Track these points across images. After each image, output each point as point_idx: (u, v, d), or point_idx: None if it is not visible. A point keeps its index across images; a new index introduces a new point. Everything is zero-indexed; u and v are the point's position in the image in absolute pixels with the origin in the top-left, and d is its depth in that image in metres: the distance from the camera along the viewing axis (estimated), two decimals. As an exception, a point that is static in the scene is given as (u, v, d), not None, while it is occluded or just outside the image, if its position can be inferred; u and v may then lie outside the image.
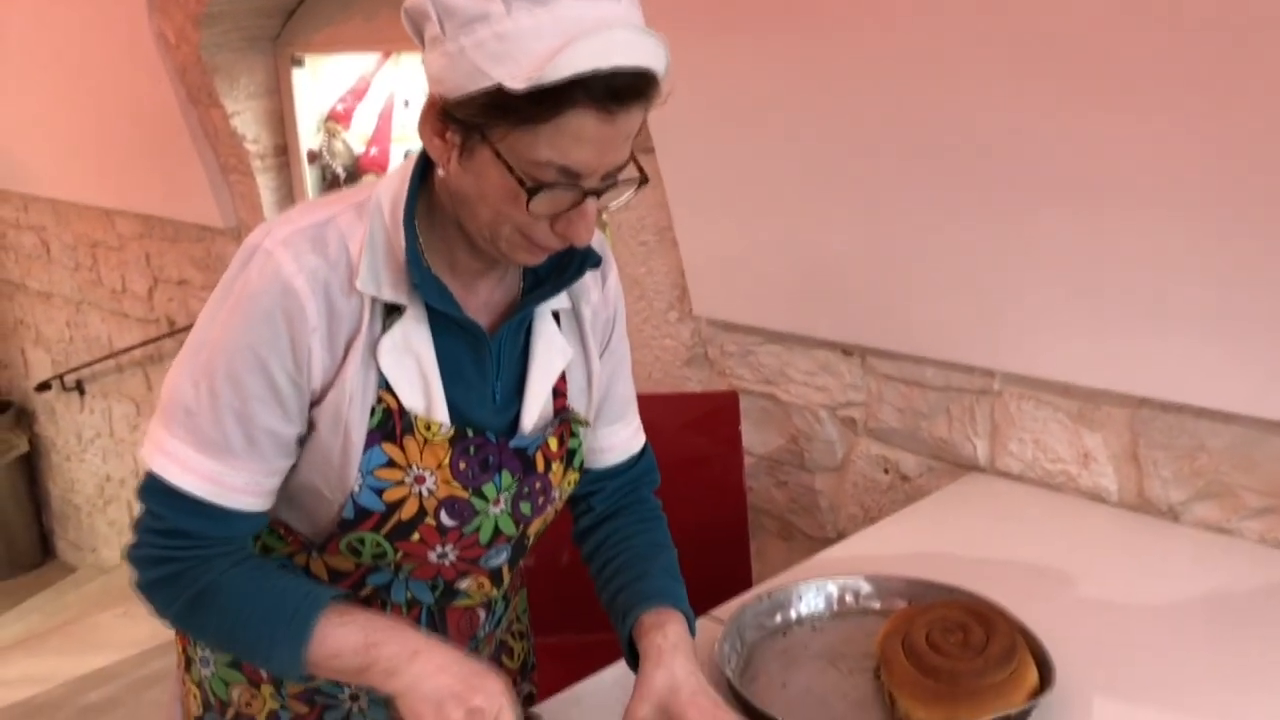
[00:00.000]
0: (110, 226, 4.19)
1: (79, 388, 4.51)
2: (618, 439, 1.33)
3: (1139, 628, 1.46)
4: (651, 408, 2.37)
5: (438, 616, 1.24)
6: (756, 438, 2.35)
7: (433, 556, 1.17)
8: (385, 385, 1.09)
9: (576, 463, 1.24)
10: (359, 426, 1.08)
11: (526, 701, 1.46)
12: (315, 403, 1.08)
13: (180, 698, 1.30)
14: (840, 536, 2.25)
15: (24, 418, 4.93)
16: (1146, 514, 1.80)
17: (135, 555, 1.09)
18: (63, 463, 4.87)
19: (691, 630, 1.20)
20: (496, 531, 1.19)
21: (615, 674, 1.39)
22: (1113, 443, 1.82)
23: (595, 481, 1.32)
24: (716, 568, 2.01)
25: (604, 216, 2.63)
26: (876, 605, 1.50)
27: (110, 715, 2.74)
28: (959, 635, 1.32)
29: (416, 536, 1.14)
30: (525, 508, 1.20)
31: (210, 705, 1.26)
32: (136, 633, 3.11)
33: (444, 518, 1.14)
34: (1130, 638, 1.44)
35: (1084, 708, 1.28)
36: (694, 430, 2.24)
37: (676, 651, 1.16)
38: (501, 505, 1.17)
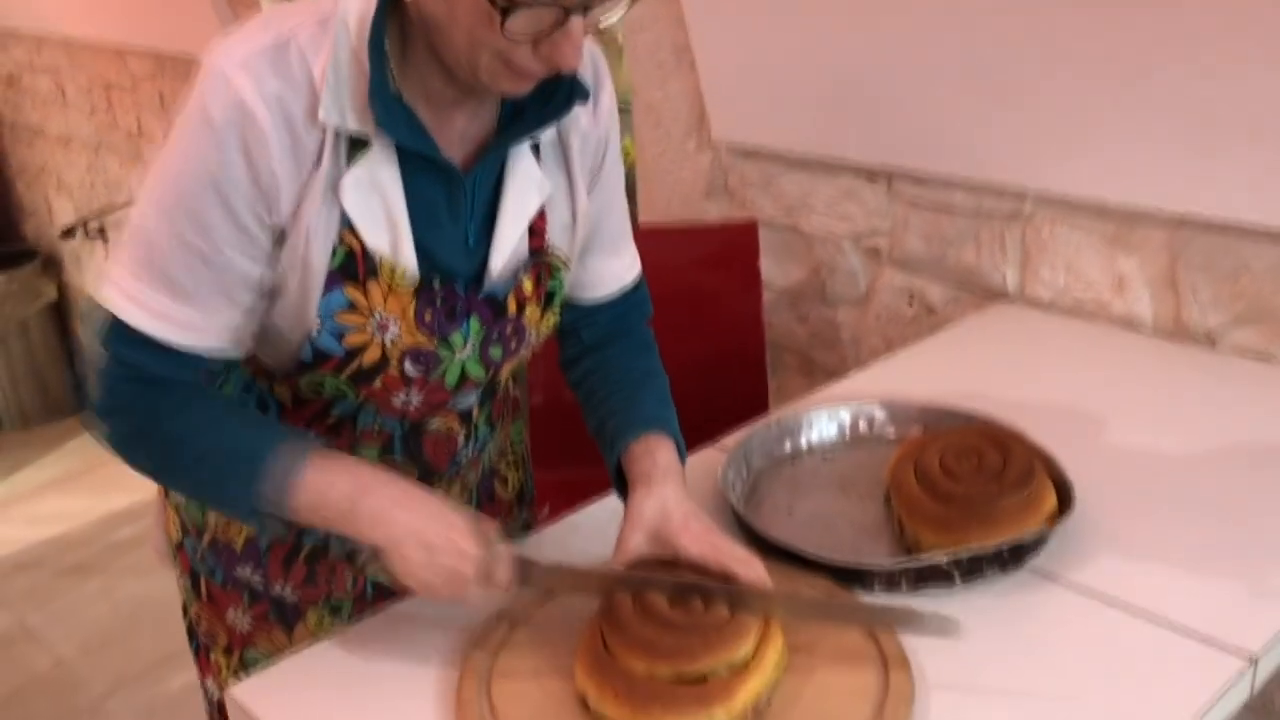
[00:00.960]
0: (123, 67, 4.08)
1: (102, 234, 4.48)
2: (609, 272, 1.24)
3: (1168, 457, 1.39)
4: (668, 241, 2.30)
5: (411, 441, 1.19)
6: (777, 271, 2.26)
7: (396, 401, 1.12)
8: (348, 225, 1.01)
9: (556, 304, 1.17)
10: (319, 266, 1.01)
11: (523, 529, 1.42)
12: (278, 239, 1.01)
13: (162, 524, 1.27)
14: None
15: (51, 266, 4.92)
16: (1182, 341, 1.71)
17: (102, 406, 1.01)
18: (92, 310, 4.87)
19: (682, 458, 1.15)
20: (463, 376, 1.13)
21: (614, 502, 1.35)
22: (1149, 266, 1.72)
23: (584, 315, 1.25)
24: (734, 404, 1.96)
25: (620, 40, 2.50)
26: (891, 433, 1.44)
27: (137, 550, 2.78)
28: (974, 460, 1.25)
29: (379, 383, 1.09)
30: (495, 352, 1.14)
31: (188, 530, 1.23)
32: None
33: (408, 367, 1.08)
34: (1158, 466, 1.37)
35: (1105, 535, 1.23)
36: (712, 264, 2.16)
37: (667, 478, 1.10)
38: (469, 350, 1.11)
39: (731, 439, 1.46)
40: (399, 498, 1.01)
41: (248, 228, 0.97)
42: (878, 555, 1.21)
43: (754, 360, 2.12)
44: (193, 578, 1.25)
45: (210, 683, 1.31)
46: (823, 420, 1.44)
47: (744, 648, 0.98)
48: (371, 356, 1.06)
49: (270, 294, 1.03)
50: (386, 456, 1.18)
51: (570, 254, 1.17)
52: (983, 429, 1.32)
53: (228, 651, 1.27)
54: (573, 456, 2.12)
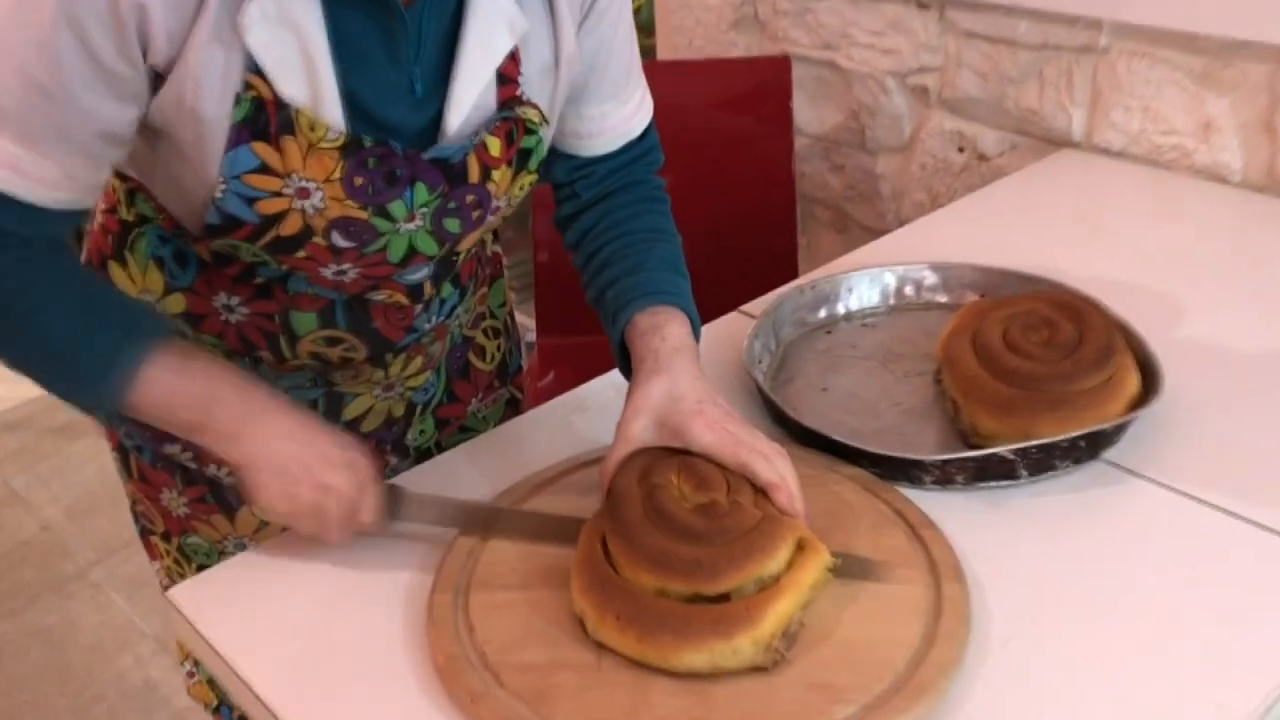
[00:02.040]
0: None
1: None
2: (611, 121, 1.03)
3: (1260, 330, 1.20)
4: (687, 78, 2.06)
5: (357, 308, 1.01)
6: (811, 114, 2.04)
7: (327, 273, 0.94)
8: (255, 69, 0.81)
9: (532, 165, 0.97)
10: (215, 117, 0.82)
11: (510, 408, 1.26)
12: (158, 84, 0.81)
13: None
14: (903, 227, 1.98)
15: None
16: (1276, 195, 1.50)
17: None
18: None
19: (696, 334, 0.97)
20: (412, 251, 0.94)
21: (617, 377, 1.17)
22: (1243, 108, 1.49)
23: (582, 168, 1.05)
24: (758, 265, 1.77)
25: None
26: (942, 299, 1.25)
27: (86, 436, 2.65)
28: (1043, 333, 1.07)
29: (303, 254, 0.90)
30: (452, 224, 0.94)
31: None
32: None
33: (336, 238, 0.89)
34: (1248, 342, 1.18)
35: (1189, 422, 1.05)
36: (738, 105, 1.94)
37: (677, 356, 0.92)
38: (419, 222, 0.92)
39: (757, 305, 1.28)
40: (258, 413, 0.86)
41: (109, 67, 0.77)
42: (926, 443, 1.04)
43: (783, 215, 1.92)
44: (121, 453, 1.09)
45: (159, 569, 1.17)
46: (863, 284, 1.25)
47: (777, 559, 0.81)
48: (291, 226, 0.87)
49: (154, 140, 0.85)
50: (328, 326, 1.00)
51: (552, 106, 0.96)
52: (1053, 296, 1.13)
53: (165, 537, 1.12)
54: (583, 321, 1.95)
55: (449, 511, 0.93)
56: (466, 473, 1.04)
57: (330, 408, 1.07)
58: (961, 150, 1.84)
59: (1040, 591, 0.87)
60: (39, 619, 2.18)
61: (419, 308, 1.03)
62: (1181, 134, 1.56)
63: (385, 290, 0.99)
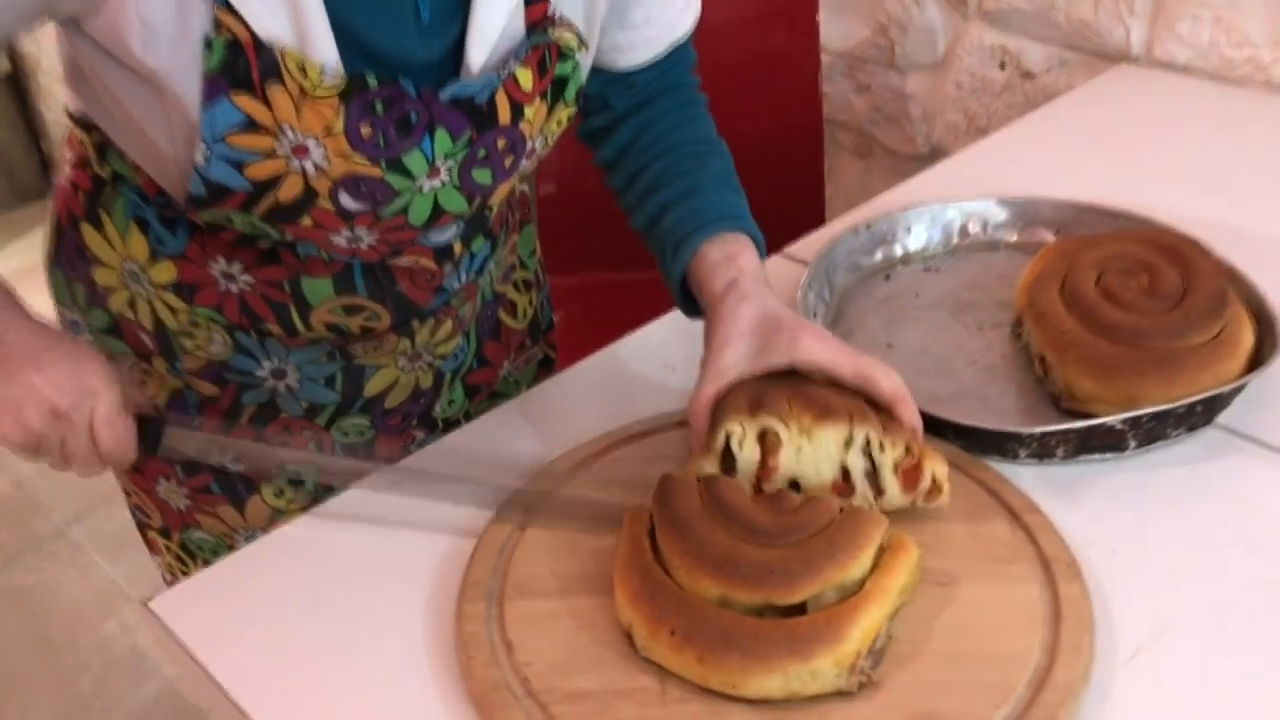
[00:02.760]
0: None
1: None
2: (655, 26, 0.89)
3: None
4: (703, -11, 1.90)
5: (380, 273, 0.87)
6: (833, 28, 1.87)
7: (340, 241, 0.80)
8: (223, 2, 0.66)
9: (570, 94, 0.83)
10: (180, 67, 0.67)
11: (543, 369, 1.12)
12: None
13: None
14: (934, 153, 1.83)
15: (2, 34, 4.46)
16: (1363, 115, 1.36)
17: None
18: (52, 84, 4.44)
19: (761, 254, 0.86)
20: (437, 211, 0.80)
21: (659, 331, 1.04)
22: (1330, 17, 1.34)
23: (617, 80, 0.91)
24: (781, 193, 1.61)
25: None
26: (1012, 238, 1.12)
27: None
28: (1142, 279, 0.94)
29: (308, 221, 0.76)
30: (482, 176, 0.80)
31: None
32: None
33: (345, 200, 0.75)
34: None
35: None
36: (759, 23, 1.77)
37: (758, 284, 0.82)
38: (443, 177, 0.78)
39: (803, 247, 1.14)
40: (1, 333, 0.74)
41: None
42: (1013, 408, 0.91)
43: (809, 140, 1.77)
44: None
45: (160, 565, 1.04)
46: (923, 222, 1.11)
47: (861, 561, 0.69)
48: (290, 191, 0.73)
49: (109, 93, 0.71)
50: (345, 293, 0.86)
51: (590, 24, 0.82)
52: (1147, 235, 0.99)
53: (165, 533, 0.99)
54: (592, 258, 1.80)
55: (213, 445, 0.82)
56: (499, 442, 0.92)
57: (349, 384, 0.93)
58: (1003, 67, 1.69)
59: (1168, 585, 0.75)
60: (15, 582, 2.06)
61: (449, 267, 0.89)
62: (1257, 46, 1.41)
63: (409, 255, 0.85)
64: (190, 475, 0.94)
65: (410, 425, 1.00)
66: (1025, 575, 0.74)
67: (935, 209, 1.11)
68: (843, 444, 0.75)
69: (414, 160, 0.75)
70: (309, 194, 0.74)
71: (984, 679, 0.67)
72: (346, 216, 0.76)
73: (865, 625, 0.66)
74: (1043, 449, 0.85)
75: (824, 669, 0.65)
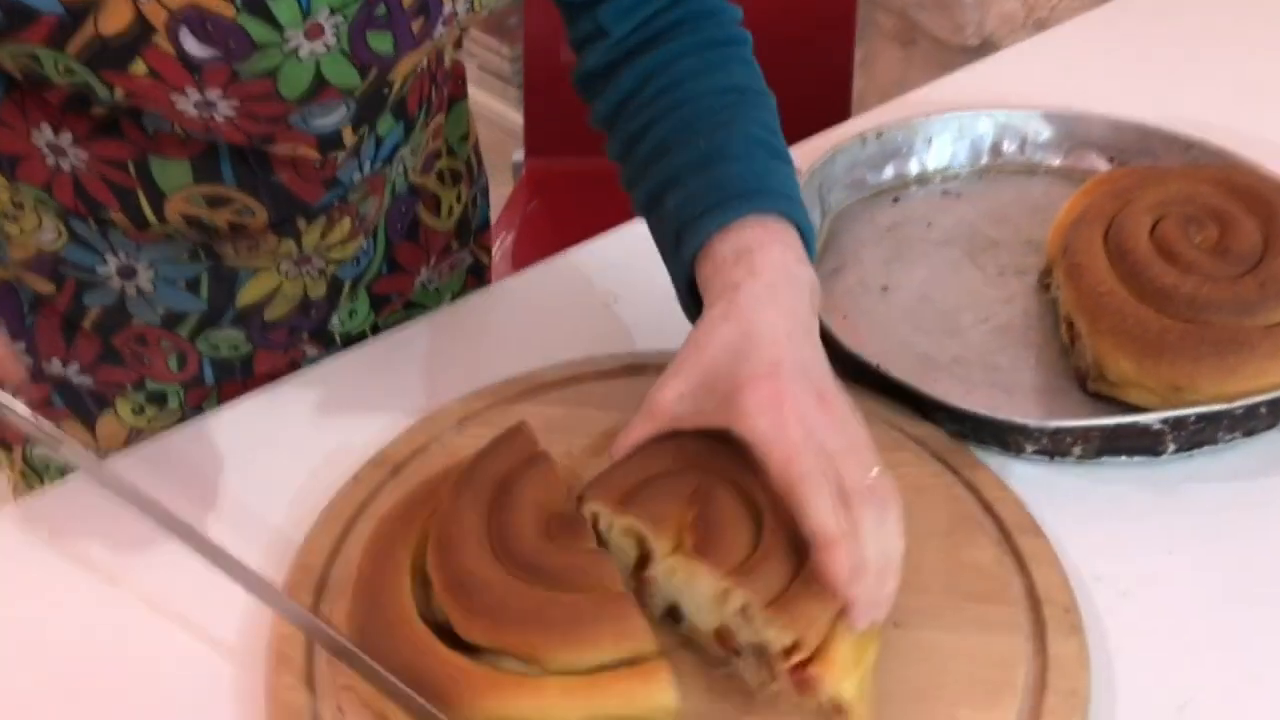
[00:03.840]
0: None
1: None
2: None
3: None
4: None
5: (252, 160, 0.69)
6: (885, -108, 1.63)
7: (187, 107, 0.61)
8: None
9: None
10: None
11: (473, 277, 0.94)
12: None
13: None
14: (985, 46, 1.60)
15: None
16: None
17: None
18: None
19: (810, 251, 0.62)
20: (319, 83, 0.61)
21: (615, 247, 0.86)
22: None
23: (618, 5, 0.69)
24: (801, 85, 1.39)
25: None
26: (1055, 161, 0.91)
27: None
28: (1212, 231, 0.74)
29: (142, 69, 0.57)
30: (381, 42, 0.61)
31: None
32: None
33: (189, 43, 0.56)
34: None
35: None
36: None
37: (771, 295, 0.58)
38: (327, 39, 0.59)
39: (800, 155, 0.94)
40: None
41: None
42: (1027, 384, 0.73)
43: (838, 20, 1.53)
44: None
45: (8, 480, 0.89)
46: (948, 134, 0.91)
47: (588, 658, 0.50)
48: (116, 19, 0.55)
49: None
50: (207, 180, 0.69)
51: None
52: (1223, 174, 0.79)
53: (5, 446, 0.84)
54: (584, 139, 1.60)
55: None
56: (412, 364, 0.76)
57: (218, 290, 0.76)
58: (1076, -50, 1.45)
59: (1196, 647, 0.58)
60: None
61: (341, 155, 0.70)
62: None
63: (284, 144, 0.66)
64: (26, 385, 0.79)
65: (299, 340, 0.83)
66: (1007, 621, 0.57)
67: (965, 118, 0.91)
68: (716, 597, 0.54)
69: (283, 6, 0.56)
70: (141, 27, 0.55)
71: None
72: (192, 67, 0.58)
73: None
74: (1055, 446, 0.67)
75: None
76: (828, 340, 0.73)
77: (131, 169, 0.67)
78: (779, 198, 0.62)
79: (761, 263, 0.59)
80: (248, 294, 0.77)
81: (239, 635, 0.58)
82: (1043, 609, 0.57)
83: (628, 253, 0.82)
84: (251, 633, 0.58)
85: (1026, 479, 0.65)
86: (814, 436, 0.53)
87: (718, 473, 0.57)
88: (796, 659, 0.50)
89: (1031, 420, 0.66)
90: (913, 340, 0.76)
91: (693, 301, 0.63)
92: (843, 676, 0.50)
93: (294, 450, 0.68)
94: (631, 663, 0.49)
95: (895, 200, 0.89)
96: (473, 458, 0.58)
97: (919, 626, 0.57)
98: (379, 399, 0.72)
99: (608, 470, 0.58)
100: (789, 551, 0.53)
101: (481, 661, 0.50)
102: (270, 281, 0.77)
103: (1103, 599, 0.60)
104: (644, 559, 0.56)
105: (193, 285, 0.75)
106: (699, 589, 0.54)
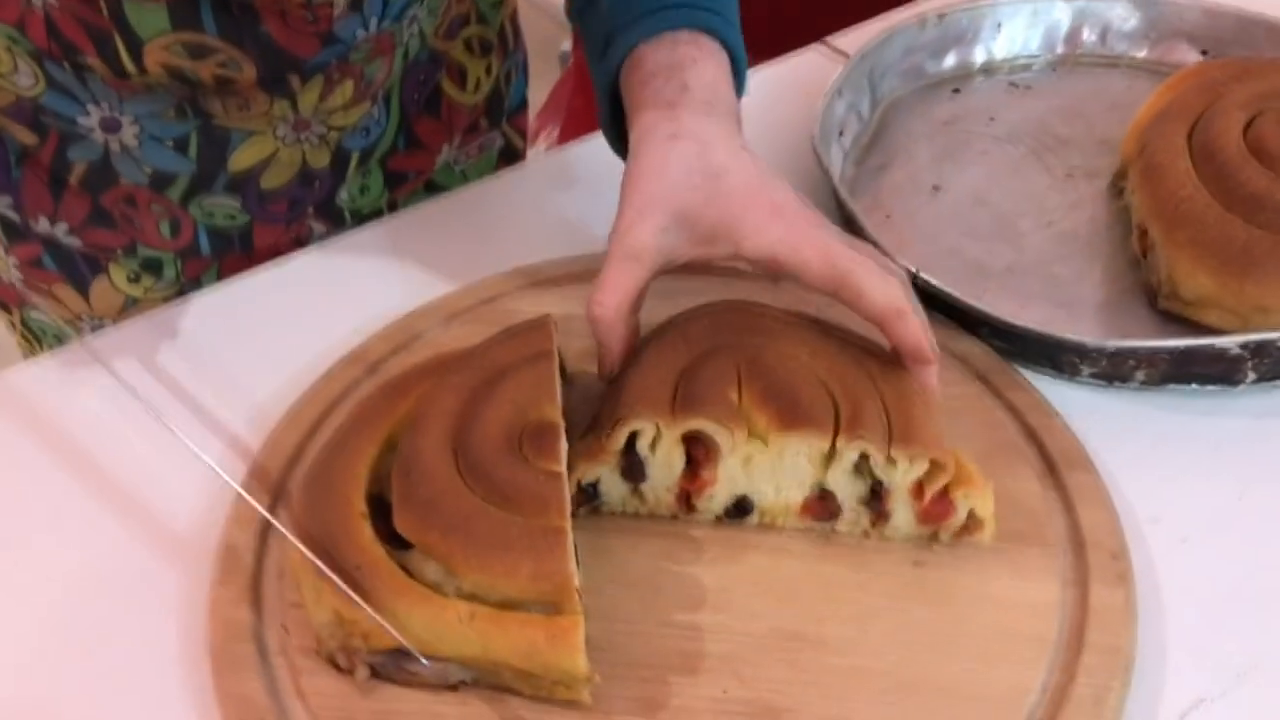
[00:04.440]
0: None
1: None
2: None
3: None
4: None
5: (235, 7, 0.62)
6: None
7: None
8: None
9: None
10: None
11: (504, 161, 0.87)
12: None
13: None
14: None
15: None
16: None
17: None
18: None
19: (739, 84, 0.59)
20: None
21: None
22: None
23: None
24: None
25: None
26: (1141, 53, 0.82)
27: None
28: (1316, 132, 0.64)
29: None
30: None
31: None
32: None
33: None
34: None
35: None
36: None
37: (709, 112, 0.55)
38: None
39: (852, 39, 0.85)
40: None
41: None
42: (1089, 298, 0.65)
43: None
44: None
45: (18, 345, 0.86)
46: (1020, 18, 0.81)
47: (501, 587, 0.44)
48: None
49: None
50: (187, 27, 0.63)
51: None
52: (1335, 67, 0.69)
53: (4, 308, 0.81)
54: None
55: None
56: (430, 246, 0.69)
57: (208, 152, 0.70)
58: None
59: (1262, 607, 0.51)
60: None
61: (335, 7, 0.64)
62: None
63: None
64: (16, 242, 0.75)
65: (302, 215, 0.77)
66: (1045, 565, 0.50)
67: (1040, 2, 0.81)
68: (820, 460, 0.50)
69: None
70: None
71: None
72: None
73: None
74: (1115, 370, 0.59)
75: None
76: (863, 239, 0.65)
77: (104, 10, 0.62)
78: (714, 16, 0.58)
79: (695, 81, 0.56)
80: (241, 158, 0.71)
81: (190, 538, 0.53)
82: (1087, 553, 0.50)
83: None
84: (200, 539, 0.53)
85: (1079, 406, 0.58)
86: (823, 235, 0.52)
87: (742, 345, 0.52)
88: (941, 483, 0.49)
89: (1090, 338, 0.58)
90: (963, 246, 0.68)
91: (615, 121, 0.60)
92: (983, 487, 0.49)
93: (291, 332, 0.63)
94: (550, 610, 0.43)
95: (955, 92, 0.80)
96: (483, 341, 0.54)
97: (941, 566, 0.50)
98: (389, 281, 0.66)
99: (621, 385, 0.51)
100: (863, 387, 0.51)
101: (410, 559, 0.45)
102: (265, 146, 0.71)
103: (1158, 545, 0.52)
104: (695, 465, 0.51)
105: (181, 145, 0.70)
106: (792, 464, 0.50)
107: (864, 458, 0.49)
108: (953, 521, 0.50)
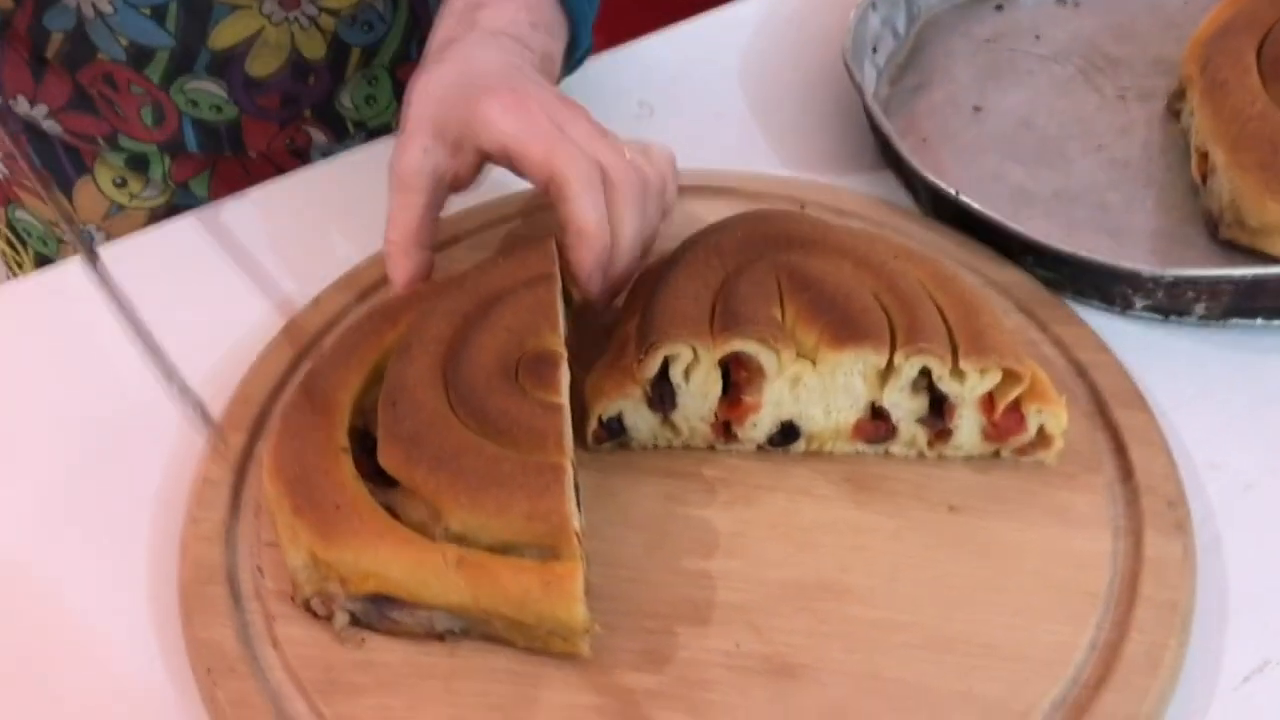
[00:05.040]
0: None
1: None
2: None
3: None
4: None
5: None
6: None
7: None
8: None
9: None
10: None
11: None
12: None
13: None
14: None
15: None
16: None
17: None
18: None
19: (580, 37, 0.58)
20: None
21: (663, 47, 0.73)
22: None
23: None
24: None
25: None
26: (1200, -35, 0.75)
27: None
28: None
29: None
30: None
31: None
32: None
33: None
34: None
35: None
36: None
37: (491, 41, 0.53)
38: None
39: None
40: None
41: None
42: (1141, 226, 0.60)
43: None
44: None
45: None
46: (1070, -72, 0.75)
47: (492, 527, 0.40)
48: None
49: None
50: None
51: None
52: None
53: None
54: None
55: None
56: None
57: (189, 24, 0.66)
58: None
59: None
60: None
61: None
62: None
63: None
64: None
65: (297, 115, 0.72)
66: (1094, 512, 0.45)
67: (1092, -91, 0.75)
68: (876, 378, 0.46)
69: None
70: None
71: (976, 690, 0.40)
72: None
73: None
74: (1174, 301, 0.53)
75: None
76: (898, 165, 0.60)
77: None
78: None
79: (487, 19, 0.54)
80: (223, 34, 0.67)
81: (167, 470, 0.49)
82: (1141, 500, 0.45)
83: (667, 60, 0.70)
84: (178, 472, 0.49)
85: (1133, 342, 0.53)
86: (566, 129, 0.48)
87: (781, 257, 0.48)
88: (1015, 395, 0.45)
89: (1146, 266, 0.53)
90: (1005, 171, 0.63)
91: None
92: (1058, 402, 0.45)
93: (282, 256, 0.59)
94: (546, 555, 0.39)
95: (999, 8, 0.74)
96: (478, 263, 0.49)
97: (979, 513, 0.45)
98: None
99: (651, 307, 0.47)
100: (918, 296, 0.46)
101: (395, 498, 0.41)
102: (250, 22, 0.67)
103: (1219, 493, 0.48)
104: (736, 389, 0.46)
105: (159, 13, 0.66)
106: (844, 383, 0.46)
107: (924, 373, 0.45)
108: (1021, 437, 0.46)
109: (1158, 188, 0.62)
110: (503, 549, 0.39)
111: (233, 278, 0.58)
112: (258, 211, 0.62)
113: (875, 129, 0.62)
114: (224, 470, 0.47)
